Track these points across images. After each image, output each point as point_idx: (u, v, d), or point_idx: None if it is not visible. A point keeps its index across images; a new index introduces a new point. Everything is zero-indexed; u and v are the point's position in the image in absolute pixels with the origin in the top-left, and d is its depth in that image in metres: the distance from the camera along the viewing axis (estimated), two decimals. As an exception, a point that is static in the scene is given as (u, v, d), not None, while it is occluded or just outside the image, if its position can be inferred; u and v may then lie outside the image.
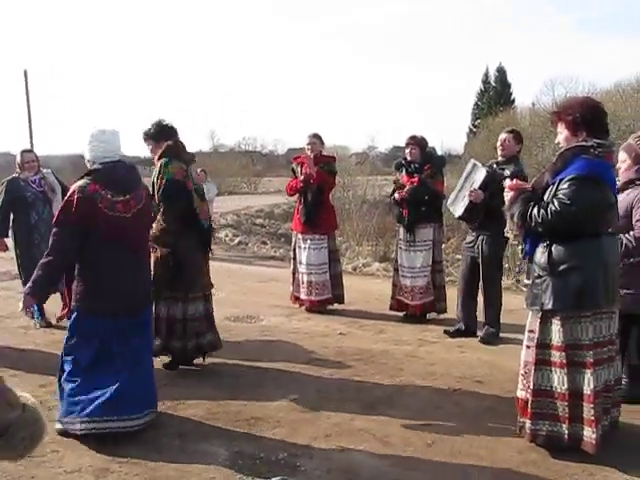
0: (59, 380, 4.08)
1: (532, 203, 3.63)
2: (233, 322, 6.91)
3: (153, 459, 3.68)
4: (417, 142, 6.68)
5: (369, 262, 11.18)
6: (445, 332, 6.27)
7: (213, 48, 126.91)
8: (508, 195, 3.81)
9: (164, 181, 4.88)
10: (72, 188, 3.92)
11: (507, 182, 3.90)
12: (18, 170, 6.59)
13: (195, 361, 5.30)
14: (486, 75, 49.43)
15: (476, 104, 48.43)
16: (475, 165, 5.70)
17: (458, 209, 5.80)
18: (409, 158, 6.69)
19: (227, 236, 15.87)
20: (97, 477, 3.50)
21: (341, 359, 5.54)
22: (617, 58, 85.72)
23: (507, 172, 5.27)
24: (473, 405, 4.47)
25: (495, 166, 5.76)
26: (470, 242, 6.06)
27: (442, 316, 6.82)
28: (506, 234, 4.38)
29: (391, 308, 6.99)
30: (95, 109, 76.85)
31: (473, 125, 39.78)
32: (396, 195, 6.68)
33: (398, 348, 5.87)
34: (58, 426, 3.97)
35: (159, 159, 4.98)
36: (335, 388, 4.82)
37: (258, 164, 43.45)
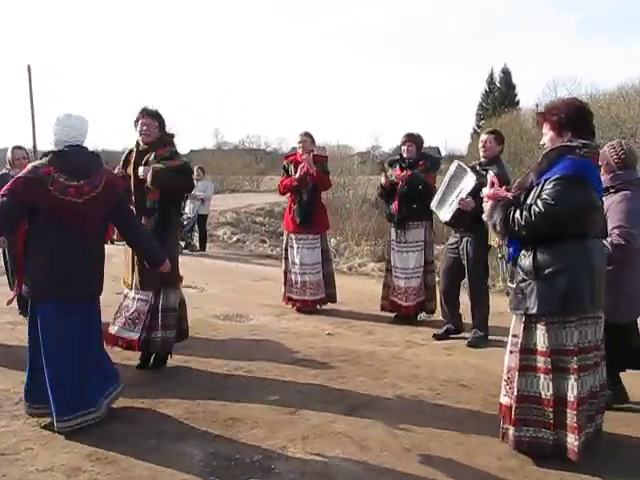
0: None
1: (512, 207, 3.57)
2: (222, 320, 6.87)
3: (126, 458, 3.65)
4: (413, 140, 6.65)
5: (365, 262, 11.11)
6: (434, 336, 6.21)
7: (213, 48, 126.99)
8: (487, 204, 3.74)
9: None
10: (27, 166, 3.95)
11: (484, 191, 3.83)
12: (8, 167, 6.54)
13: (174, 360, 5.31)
14: (491, 76, 49.49)
15: (480, 105, 48.37)
16: (461, 168, 5.61)
17: (445, 214, 5.69)
18: (405, 155, 6.65)
19: (225, 234, 15.85)
20: (68, 476, 3.46)
21: (327, 360, 5.49)
22: (618, 59, 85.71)
23: (491, 173, 5.23)
24: (455, 409, 4.41)
25: (478, 167, 5.70)
26: (453, 243, 6.03)
27: (432, 318, 6.77)
28: (490, 242, 4.28)
29: (383, 309, 6.94)
30: (96, 107, 76.89)
31: (477, 126, 39.73)
32: (382, 179, 6.64)
33: (385, 349, 5.82)
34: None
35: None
36: (318, 389, 4.77)
37: (262, 162, 43.32)
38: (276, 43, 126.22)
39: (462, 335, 6.17)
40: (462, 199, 5.45)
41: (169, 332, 5.10)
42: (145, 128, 5.03)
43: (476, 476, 3.48)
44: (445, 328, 6.22)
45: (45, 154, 3.97)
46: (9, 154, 6.59)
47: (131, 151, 5.18)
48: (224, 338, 6.09)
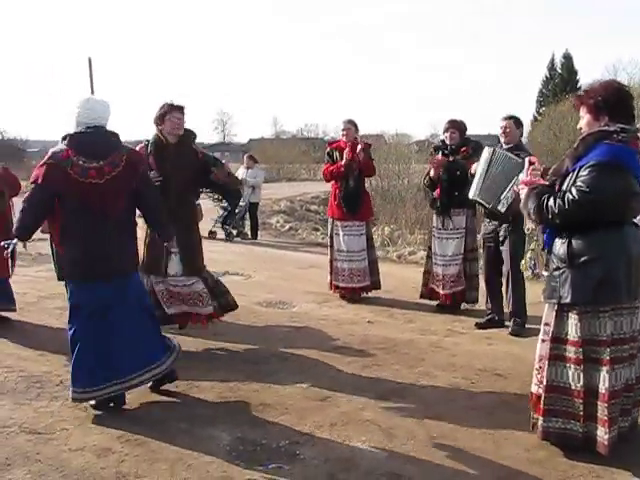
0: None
1: (546, 195, 3.46)
2: (264, 307, 6.92)
3: (156, 440, 3.73)
4: (456, 126, 6.56)
5: (414, 250, 10.99)
6: (476, 325, 6.13)
7: (213, 48, 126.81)
8: (523, 191, 3.65)
9: None
10: (49, 152, 4.02)
11: (521, 176, 3.73)
12: None
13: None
14: (552, 62, 48.12)
15: (541, 92, 47.13)
16: (505, 156, 5.44)
17: (500, 205, 5.50)
18: (448, 142, 6.55)
19: (278, 222, 15.96)
20: (98, 456, 3.56)
21: (364, 347, 5.48)
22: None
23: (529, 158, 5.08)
24: (488, 399, 4.33)
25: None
26: (490, 232, 5.91)
27: (476, 307, 6.65)
28: (525, 230, 4.14)
29: (421, 296, 6.89)
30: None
31: (537, 113, 38.75)
32: (431, 172, 6.52)
33: (424, 338, 5.76)
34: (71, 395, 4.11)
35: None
36: (351, 377, 4.77)
37: (319, 151, 43.40)
38: (276, 43, 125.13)
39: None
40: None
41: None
42: (179, 122, 5.19)
43: (501, 467, 3.41)
44: (489, 317, 6.11)
45: (63, 137, 4.04)
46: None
47: (159, 145, 5.27)
48: (264, 325, 6.14)
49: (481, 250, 6.31)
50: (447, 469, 3.41)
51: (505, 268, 5.85)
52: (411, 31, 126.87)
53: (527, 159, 3.88)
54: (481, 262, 6.67)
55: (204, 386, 4.54)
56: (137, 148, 5.03)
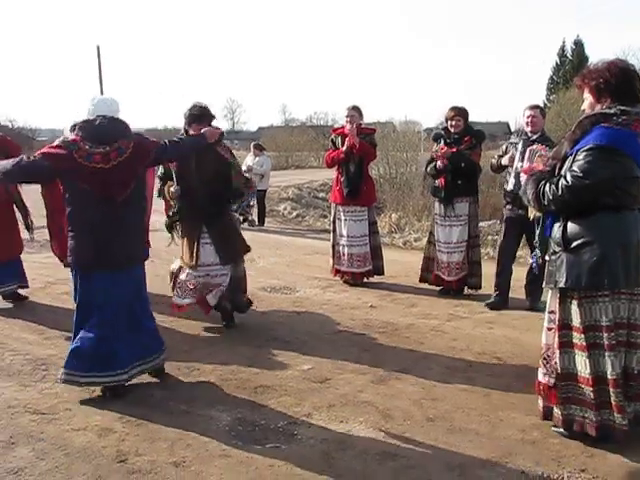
0: None
1: (544, 181, 3.43)
2: (268, 292, 6.97)
3: (156, 421, 3.80)
4: (461, 113, 6.55)
5: (420, 237, 11.01)
6: (486, 304, 6.29)
7: (222, 37, 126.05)
8: (522, 177, 3.66)
9: None
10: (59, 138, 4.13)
11: (518, 166, 3.73)
12: None
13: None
14: (562, 49, 47.72)
15: (551, 78, 46.76)
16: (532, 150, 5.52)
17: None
18: (452, 130, 6.55)
19: (285, 209, 15.99)
20: (99, 435, 3.63)
21: (365, 331, 5.53)
22: None
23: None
24: (485, 382, 4.37)
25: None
26: (516, 218, 5.96)
27: (479, 292, 6.68)
28: (529, 215, 4.14)
29: (421, 280, 6.98)
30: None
31: (548, 100, 38.46)
32: (438, 163, 6.50)
33: (425, 322, 5.80)
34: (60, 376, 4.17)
35: None
36: (351, 360, 4.81)
37: (328, 138, 43.33)
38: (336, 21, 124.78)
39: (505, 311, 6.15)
40: None
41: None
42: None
43: (496, 447, 3.45)
44: (497, 297, 6.27)
45: (72, 127, 4.12)
46: (65, 132, 6.86)
47: None
48: (267, 309, 6.19)
49: (502, 231, 6.33)
50: (442, 449, 3.46)
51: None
52: (421, 19, 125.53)
53: (529, 149, 3.86)
54: (482, 249, 6.70)
55: (205, 369, 4.61)
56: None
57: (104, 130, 4.04)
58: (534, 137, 5.70)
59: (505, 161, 5.95)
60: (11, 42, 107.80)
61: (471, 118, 6.71)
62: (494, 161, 6.25)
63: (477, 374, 4.52)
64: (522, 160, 5.53)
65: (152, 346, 4.39)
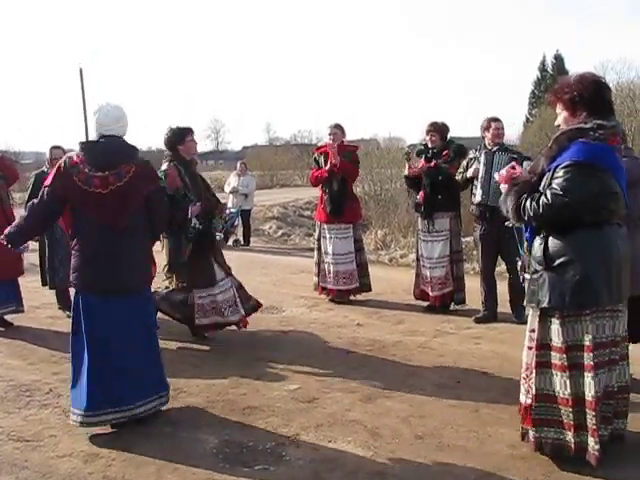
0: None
1: (525, 195, 3.37)
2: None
3: (142, 445, 3.76)
4: (437, 129, 6.64)
5: (406, 253, 11.05)
6: (475, 319, 6.33)
7: (205, 57, 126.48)
8: (503, 188, 3.57)
9: None
10: (66, 154, 4.12)
11: (496, 176, 3.73)
12: (47, 165, 6.79)
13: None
14: (543, 63, 48.43)
15: (533, 92, 47.29)
16: (508, 157, 5.67)
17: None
18: (430, 145, 6.63)
19: (271, 228, 16.00)
20: (85, 462, 3.59)
21: (352, 349, 5.52)
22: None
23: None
24: (473, 397, 4.35)
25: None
26: (488, 233, 6.05)
27: (466, 307, 6.70)
28: (507, 225, 4.13)
29: (415, 296, 6.99)
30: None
31: (530, 114, 38.86)
32: (406, 171, 6.67)
33: (412, 339, 5.79)
34: (72, 417, 3.97)
35: None
36: (338, 379, 4.79)
37: (312, 157, 43.49)
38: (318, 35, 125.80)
39: (487, 326, 6.19)
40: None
41: None
42: (196, 144, 5.84)
43: (485, 463, 3.44)
44: (485, 313, 6.32)
45: (80, 143, 4.06)
46: (47, 154, 6.85)
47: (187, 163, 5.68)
48: (253, 329, 6.15)
49: (477, 250, 6.36)
50: (431, 467, 3.44)
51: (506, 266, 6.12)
52: (403, 32, 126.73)
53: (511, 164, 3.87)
54: (466, 264, 6.74)
55: (191, 391, 4.58)
56: (165, 167, 5.40)
57: (108, 155, 3.93)
58: (495, 148, 5.87)
59: (470, 173, 6.07)
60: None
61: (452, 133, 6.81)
62: (459, 177, 6.34)
63: (465, 390, 4.51)
64: (487, 171, 5.62)
65: (158, 385, 4.16)
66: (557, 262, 3.29)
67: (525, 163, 5.24)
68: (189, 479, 3.37)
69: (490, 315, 6.30)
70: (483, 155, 5.89)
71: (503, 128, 6.01)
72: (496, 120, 6.05)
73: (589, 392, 3.25)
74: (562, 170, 3.24)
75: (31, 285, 8.09)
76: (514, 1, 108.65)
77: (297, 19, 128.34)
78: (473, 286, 6.58)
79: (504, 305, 6.32)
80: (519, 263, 3.77)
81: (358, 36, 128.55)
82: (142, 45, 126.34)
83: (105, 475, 3.42)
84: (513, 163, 3.79)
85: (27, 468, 3.52)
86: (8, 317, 6.43)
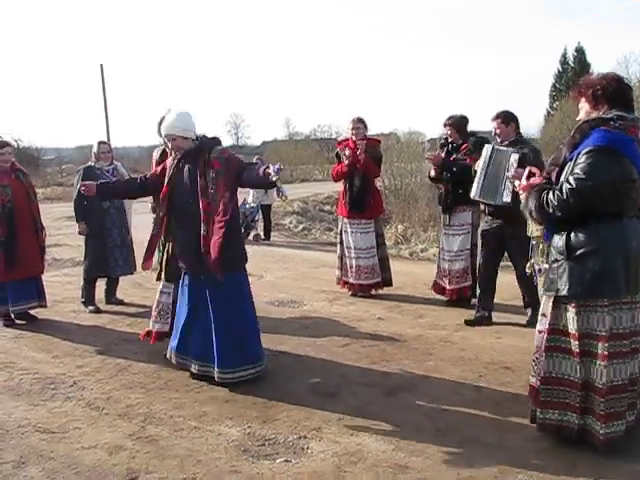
0: None
1: (546, 191, 3.43)
2: (276, 307, 6.97)
3: (166, 438, 3.81)
4: (453, 123, 6.60)
5: (426, 247, 11.00)
6: (465, 322, 6.10)
7: (225, 52, 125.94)
8: (522, 195, 3.63)
9: None
10: None
11: (516, 183, 3.75)
12: (94, 159, 6.90)
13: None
14: (564, 56, 47.84)
15: (554, 86, 46.81)
16: (498, 151, 5.49)
17: (504, 197, 5.49)
18: (450, 139, 6.60)
19: (291, 223, 16.02)
20: (110, 454, 3.64)
21: (373, 343, 5.52)
22: None
23: (514, 156, 5.11)
24: (495, 392, 4.36)
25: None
26: (492, 229, 5.87)
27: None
28: (528, 234, 4.08)
29: (435, 291, 6.97)
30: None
31: (551, 107, 38.53)
32: (431, 172, 6.61)
33: (433, 333, 5.79)
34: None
35: None
36: (360, 372, 4.81)
37: (332, 151, 43.49)
38: (340, 35, 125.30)
39: (508, 319, 6.13)
40: (514, 173, 5.32)
41: None
42: None
43: (505, 457, 3.44)
44: (478, 314, 6.10)
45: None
46: (95, 148, 6.96)
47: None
48: (274, 324, 6.19)
49: (479, 246, 6.23)
50: (452, 460, 3.45)
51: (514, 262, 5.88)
52: (421, 26, 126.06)
53: (527, 169, 3.83)
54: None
55: (213, 385, 4.60)
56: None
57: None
58: (505, 144, 5.68)
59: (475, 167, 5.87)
60: (14, 61, 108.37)
61: (472, 127, 6.76)
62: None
63: (486, 384, 4.51)
64: (487, 165, 5.52)
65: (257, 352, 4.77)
66: (578, 252, 3.36)
67: (516, 155, 5.29)
68: (212, 471, 3.41)
69: (482, 317, 6.06)
70: (485, 149, 5.74)
71: (499, 126, 5.71)
72: (492, 119, 5.84)
73: (600, 380, 3.35)
74: (584, 156, 3.32)
75: (53, 279, 8.23)
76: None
77: (317, 15, 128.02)
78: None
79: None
80: (529, 269, 3.84)
81: (378, 30, 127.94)
82: (163, 42, 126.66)
83: (129, 467, 3.47)
84: (530, 168, 3.77)
85: (53, 459, 3.58)
86: (32, 311, 6.50)
